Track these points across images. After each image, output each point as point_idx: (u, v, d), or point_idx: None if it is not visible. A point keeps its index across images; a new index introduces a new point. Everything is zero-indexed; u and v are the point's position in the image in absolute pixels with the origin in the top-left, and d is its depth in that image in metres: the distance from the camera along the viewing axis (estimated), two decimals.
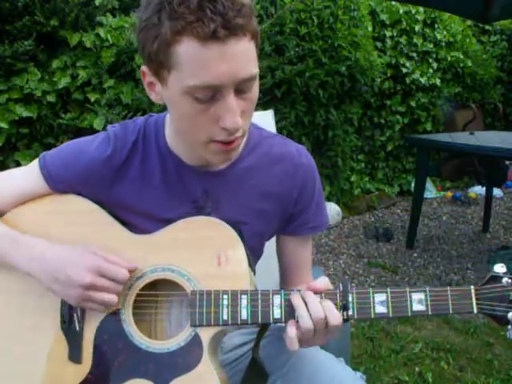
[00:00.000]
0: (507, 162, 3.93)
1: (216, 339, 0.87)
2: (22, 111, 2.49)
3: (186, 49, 0.72)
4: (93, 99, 2.59)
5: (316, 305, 0.80)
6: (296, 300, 0.81)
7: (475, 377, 2.02)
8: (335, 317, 0.80)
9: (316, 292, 0.83)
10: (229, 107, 0.76)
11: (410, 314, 0.81)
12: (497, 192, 4.58)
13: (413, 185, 3.99)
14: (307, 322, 0.79)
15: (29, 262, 0.86)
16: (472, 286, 0.82)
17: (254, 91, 0.80)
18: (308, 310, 0.80)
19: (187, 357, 0.83)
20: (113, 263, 0.84)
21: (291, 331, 0.80)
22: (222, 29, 0.70)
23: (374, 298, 0.82)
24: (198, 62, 0.72)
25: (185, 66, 0.73)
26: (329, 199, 3.86)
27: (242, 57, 0.74)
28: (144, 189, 0.92)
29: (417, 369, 2.07)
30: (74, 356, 0.87)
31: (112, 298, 0.83)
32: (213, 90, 0.74)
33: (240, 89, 0.76)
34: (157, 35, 0.73)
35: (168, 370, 0.83)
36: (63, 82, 2.55)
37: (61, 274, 0.83)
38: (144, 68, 0.81)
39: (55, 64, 2.55)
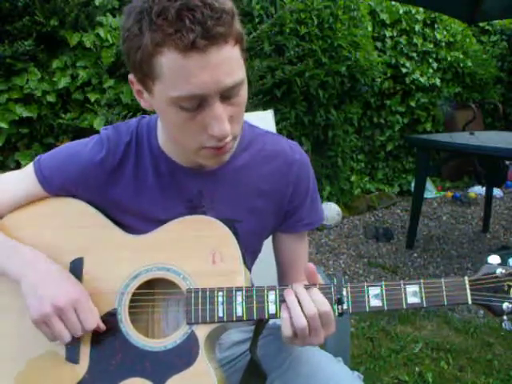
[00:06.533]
0: (507, 162, 3.92)
1: (212, 337, 0.87)
2: (22, 111, 2.49)
3: (168, 60, 0.71)
4: (93, 99, 2.59)
5: (309, 302, 0.80)
6: (290, 297, 0.81)
7: (475, 377, 2.02)
8: (326, 307, 0.79)
9: (312, 276, 0.83)
10: (215, 115, 0.75)
11: (404, 306, 0.82)
12: (497, 192, 4.57)
13: (413, 185, 3.98)
14: (301, 322, 0.79)
15: (20, 269, 0.86)
16: (466, 277, 0.82)
17: (242, 95, 0.79)
18: (301, 308, 0.80)
19: (184, 355, 0.83)
20: (91, 308, 0.84)
21: (287, 331, 0.80)
22: (202, 39, 0.69)
23: (368, 291, 0.82)
24: (180, 73, 0.72)
25: (167, 77, 0.73)
26: (329, 199, 3.86)
27: (224, 65, 0.73)
28: (138, 190, 0.92)
29: (417, 369, 2.07)
30: (71, 356, 0.87)
31: (67, 336, 0.83)
32: (198, 99, 0.74)
33: (226, 96, 0.76)
34: (139, 45, 0.72)
35: (165, 368, 0.83)
36: (63, 81, 2.55)
37: (41, 288, 0.83)
38: (131, 76, 0.82)
39: (55, 64, 2.55)
